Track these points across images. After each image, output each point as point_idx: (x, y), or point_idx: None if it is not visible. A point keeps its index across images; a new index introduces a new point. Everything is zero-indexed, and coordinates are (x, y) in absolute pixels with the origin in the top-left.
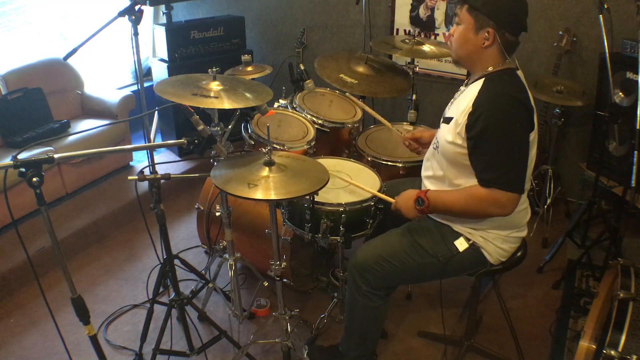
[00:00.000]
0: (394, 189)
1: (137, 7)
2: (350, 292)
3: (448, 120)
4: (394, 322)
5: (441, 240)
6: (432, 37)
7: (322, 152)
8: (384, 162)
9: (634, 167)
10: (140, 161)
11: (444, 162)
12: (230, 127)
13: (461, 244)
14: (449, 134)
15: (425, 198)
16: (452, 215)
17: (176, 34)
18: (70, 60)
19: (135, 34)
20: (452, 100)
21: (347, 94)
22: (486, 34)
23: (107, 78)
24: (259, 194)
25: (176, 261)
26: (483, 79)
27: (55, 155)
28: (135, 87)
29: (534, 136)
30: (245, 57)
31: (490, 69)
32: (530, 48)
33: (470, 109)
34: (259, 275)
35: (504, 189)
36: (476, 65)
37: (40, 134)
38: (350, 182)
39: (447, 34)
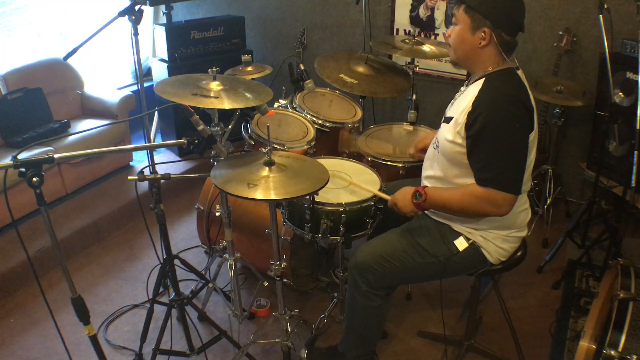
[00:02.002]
0: (394, 190)
1: (137, 7)
2: (350, 292)
3: (448, 120)
4: (394, 322)
5: (441, 239)
6: (432, 37)
7: (322, 152)
8: (384, 162)
9: (634, 167)
10: (140, 161)
11: (444, 162)
12: (230, 127)
13: (461, 244)
14: (449, 133)
15: (422, 192)
16: (448, 212)
17: (176, 34)
18: (70, 60)
19: (135, 34)
20: (452, 100)
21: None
22: (482, 33)
23: (107, 78)
24: (258, 194)
25: (176, 261)
26: (483, 79)
27: (55, 155)
28: (135, 87)
29: (533, 136)
30: (245, 57)
31: (490, 69)
32: (530, 48)
33: (470, 109)
34: (259, 275)
35: (500, 189)
36: (475, 65)
37: (40, 134)
38: (350, 182)
39: (446, 34)
